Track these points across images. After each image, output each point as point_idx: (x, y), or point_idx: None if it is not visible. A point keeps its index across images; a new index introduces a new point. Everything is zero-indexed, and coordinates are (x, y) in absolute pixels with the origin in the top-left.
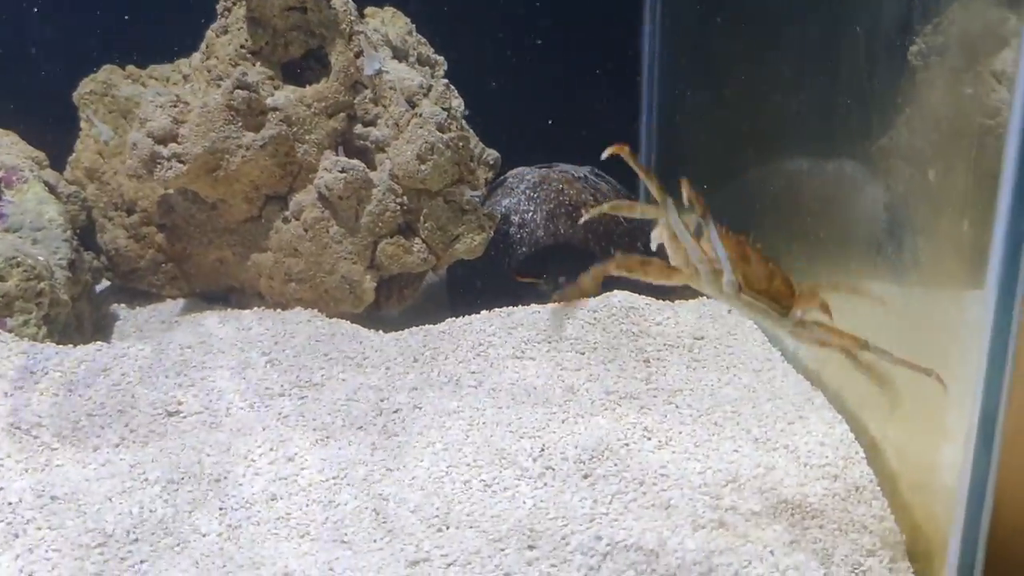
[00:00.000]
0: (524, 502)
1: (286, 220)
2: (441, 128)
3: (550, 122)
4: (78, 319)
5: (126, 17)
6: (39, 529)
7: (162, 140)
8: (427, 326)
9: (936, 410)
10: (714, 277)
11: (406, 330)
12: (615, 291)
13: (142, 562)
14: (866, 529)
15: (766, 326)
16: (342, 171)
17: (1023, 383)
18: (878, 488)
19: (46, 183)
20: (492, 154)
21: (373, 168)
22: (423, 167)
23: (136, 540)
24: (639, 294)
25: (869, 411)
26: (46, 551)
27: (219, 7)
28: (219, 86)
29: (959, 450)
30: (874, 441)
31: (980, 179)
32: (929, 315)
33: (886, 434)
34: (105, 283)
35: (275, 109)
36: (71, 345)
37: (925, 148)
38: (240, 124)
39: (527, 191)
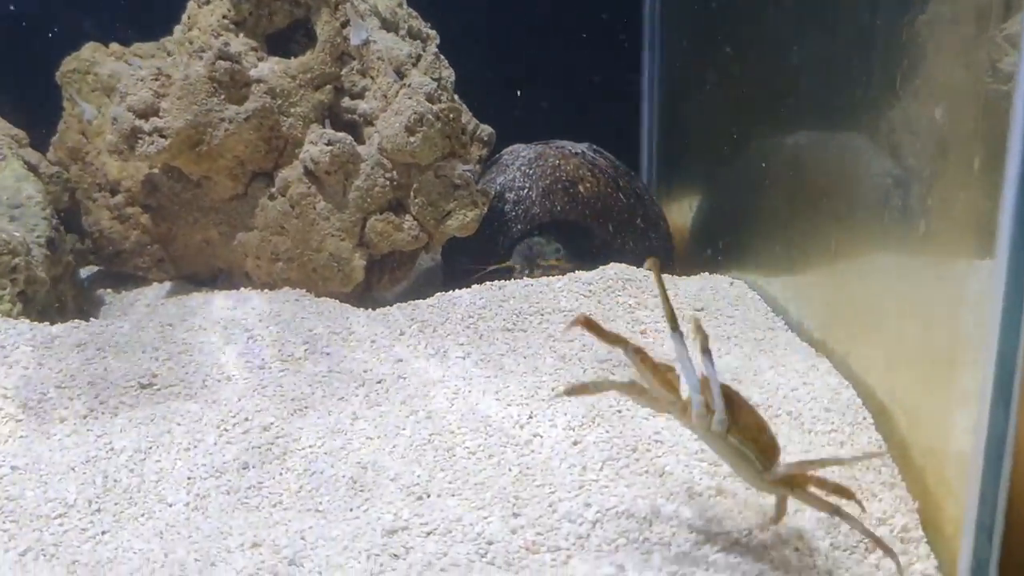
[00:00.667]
0: (509, 469)
1: (272, 197)
2: (431, 99)
3: (515, 93)
4: (60, 301)
5: None
6: None
7: (143, 115)
8: (416, 301)
9: (949, 373)
10: (705, 412)
11: (394, 305)
12: (611, 264)
13: (103, 533)
14: (875, 496)
15: (743, 476)
16: (328, 144)
17: None
18: (888, 454)
19: (26, 162)
20: (486, 130)
21: (361, 142)
22: (412, 139)
23: (98, 510)
24: (637, 267)
25: (877, 375)
26: (3, 522)
27: None
28: (201, 58)
29: (974, 413)
30: (883, 406)
31: (993, 150)
32: (940, 278)
33: (896, 398)
34: (92, 269)
35: (259, 81)
36: (48, 323)
37: (934, 119)
38: (223, 97)
39: (522, 167)
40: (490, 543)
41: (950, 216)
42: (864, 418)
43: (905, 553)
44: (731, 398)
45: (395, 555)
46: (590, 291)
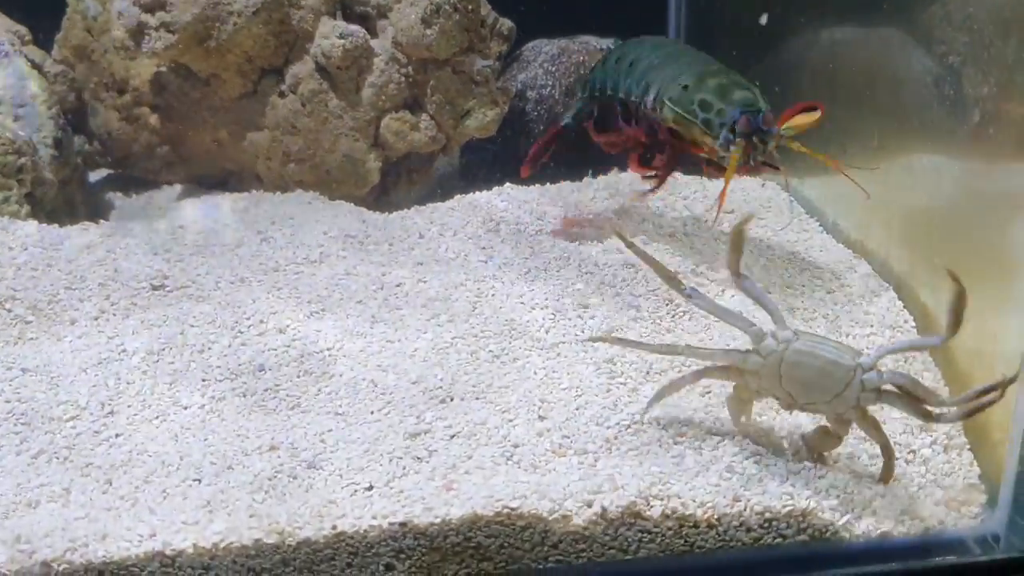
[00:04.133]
0: (535, 372)
1: (282, 95)
2: None
3: None
4: (69, 204)
5: None
6: (7, 402)
7: (149, 9)
8: (435, 204)
9: (1001, 276)
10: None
11: (412, 208)
12: None
13: (117, 435)
14: None
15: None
16: (340, 37)
17: None
18: (930, 358)
19: (30, 60)
20: (506, 23)
21: (375, 35)
22: (428, 32)
23: (111, 413)
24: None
25: (920, 277)
26: (14, 424)
27: None
28: None
29: None
30: (926, 308)
31: None
32: (994, 175)
33: (940, 301)
34: (102, 173)
35: None
36: (56, 225)
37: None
38: None
39: (544, 64)
40: (516, 446)
41: (1009, 106)
42: (905, 321)
43: (948, 461)
44: None
45: (418, 458)
46: (616, 191)
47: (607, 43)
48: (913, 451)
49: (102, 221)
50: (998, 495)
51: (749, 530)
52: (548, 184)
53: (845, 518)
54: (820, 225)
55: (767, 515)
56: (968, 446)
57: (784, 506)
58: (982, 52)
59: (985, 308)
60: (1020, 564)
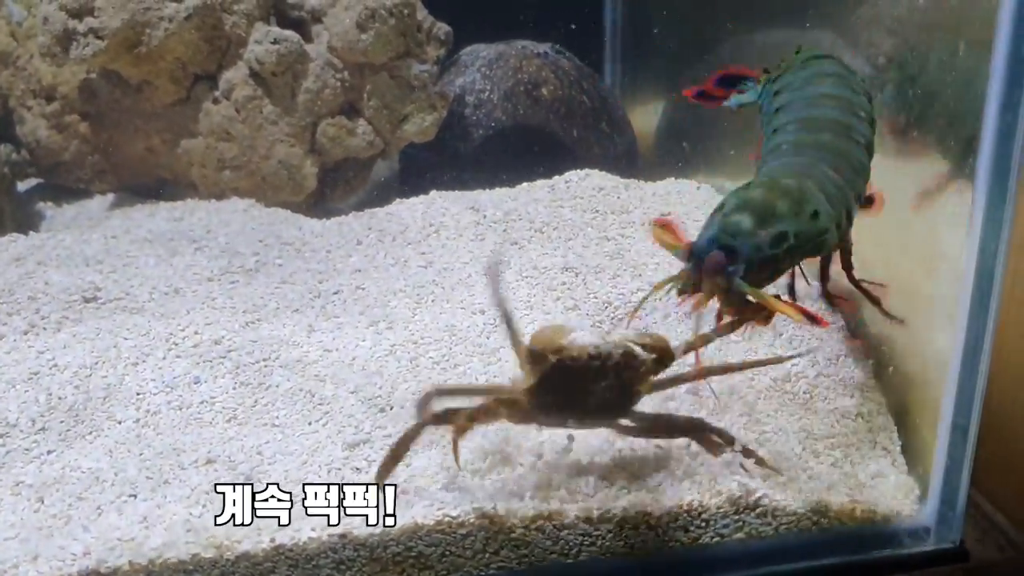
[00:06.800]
0: (476, 379)
1: (216, 101)
2: None
3: None
4: None
5: None
6: None
7: (77, 14)
8: (372, 209)
9: (926, 279)
10: None
11: (350, 214)
12: (586, 170)
13: (49, 452)
14: (845, 395)
15: None
16: (274, 43)
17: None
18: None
19: None
20: (443, 28)
21: (309, 40)
22: (364, 36)
23: (43, 429)
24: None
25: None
26: None
27: None
28: None
29: (954, 317)
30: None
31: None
32: (920, 177)
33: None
34: (31, 182)
35: None
36: None
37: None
38: None
39: (482, 69)
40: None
41: (934, 111)
42: (833, 323)
43: (878, 456)
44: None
45: (357, 468)
46: (554, 196)
47: (545, 47)
48: (847, 447)
49: (31, 232)
50: (928, 489)
51: (687, 530)
52: (486, 188)
53: (779, 515)
54: None
55: (704, 515)
56: (900, 442)
57: (719, 505)
58: (907, 59)
59: (914, 309)
60: (950, 555)
